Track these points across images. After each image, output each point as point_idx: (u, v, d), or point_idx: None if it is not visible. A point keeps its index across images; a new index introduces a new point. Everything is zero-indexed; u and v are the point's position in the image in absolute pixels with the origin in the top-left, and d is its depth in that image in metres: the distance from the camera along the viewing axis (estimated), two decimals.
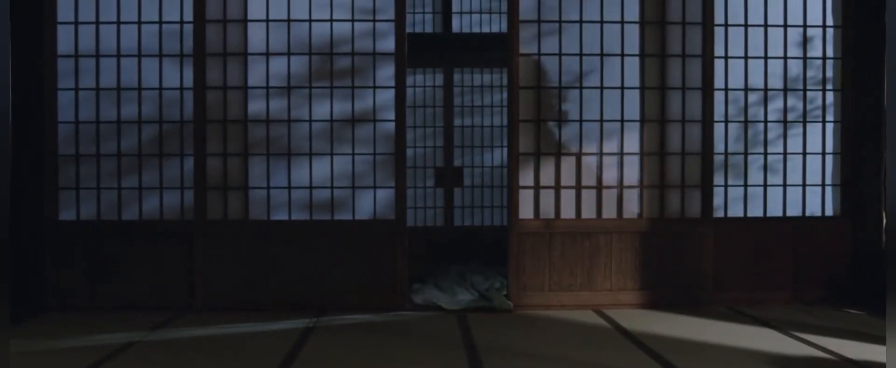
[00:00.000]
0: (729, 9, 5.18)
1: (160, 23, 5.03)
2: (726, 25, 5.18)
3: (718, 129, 5.18)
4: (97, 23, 5.02)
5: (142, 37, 5.02)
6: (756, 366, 3.64)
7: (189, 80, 5.02)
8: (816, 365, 3.67)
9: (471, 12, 7.07)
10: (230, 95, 5.05)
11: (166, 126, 5.04)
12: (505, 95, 6.16)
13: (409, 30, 5.16)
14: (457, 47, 6.85)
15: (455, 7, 7.01)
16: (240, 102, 5.06)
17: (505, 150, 6.21)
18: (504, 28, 5.84)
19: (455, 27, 6.99)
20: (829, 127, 5.28)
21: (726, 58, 5.19)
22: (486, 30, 7.02)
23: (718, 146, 5.18)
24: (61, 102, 5.01)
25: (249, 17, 5.06)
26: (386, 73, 5.06)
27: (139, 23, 5.02)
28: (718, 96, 5.17)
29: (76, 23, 5.01)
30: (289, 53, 5.06)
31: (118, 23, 5.02)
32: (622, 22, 5.15)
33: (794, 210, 5.25)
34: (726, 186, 5.21)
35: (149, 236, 5.00)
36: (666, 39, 5.18)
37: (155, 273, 5.00)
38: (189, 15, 5.01)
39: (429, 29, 7.00)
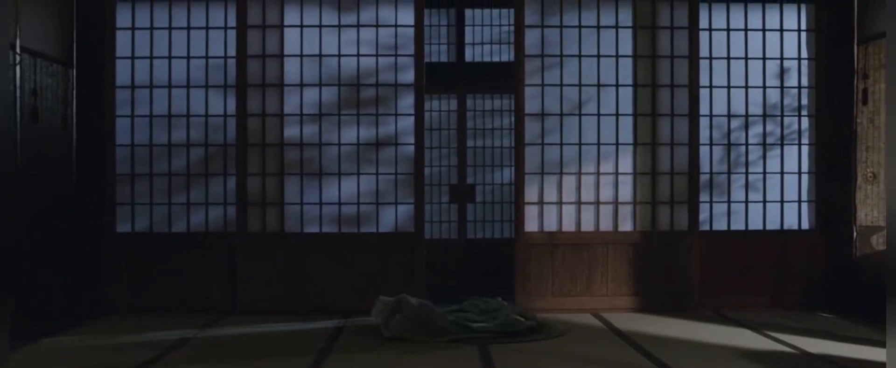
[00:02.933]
0: (713, 43, 5.74)
1: (207, 58, 5.64)
2: (711, 58, 5.74)
3: (704, 151, 5.73)
4: (151, 58, 5.63)
5: (190, 70, 5.63)
6: (728, 358, 4.18)
7: (232, 108, 5.61)
8: (778, 357, 4.22)
9: (482, 43, 7.55)
10: (268, 122, 5.65)
11: (211, 149, 5.63)
12: (513, 119, 6.66)
13: (426, 60, 5.69)
14: (470, 75, 7.38)
15: (468, 38, 7.50)
16: (277, 127, 5.65)
17: (513, 169, 6.72)
18: (512, 57, 6.31)
19: (468, 57, 7.47)
20: (805, 149, 5.81)
21: (711, 87, 5.73)
22: (496, 59, 7.51)
23: (704, 167, 5.72)
24: (119, 127, 5.61)
25: (286, 53, 5.66)
26: (406, 102, 5.65)
27: (188, 58, 5.63)
28: (704, 122, 5.72)
29: (133, 58, 5.62)
30: (320, 85, 5.65)
31: (169, 58, 5.63)
32: (617, 56, 5.71)
33: (773, 224, 5.77)
34: (711, 202, 5.74)
35: (195, 246, 5.58)
36: (656, 71, 5.74)
37: (200, 280, 5.57)
38: (232, 51, 5.62)
39: (444, 58, 7.48)
